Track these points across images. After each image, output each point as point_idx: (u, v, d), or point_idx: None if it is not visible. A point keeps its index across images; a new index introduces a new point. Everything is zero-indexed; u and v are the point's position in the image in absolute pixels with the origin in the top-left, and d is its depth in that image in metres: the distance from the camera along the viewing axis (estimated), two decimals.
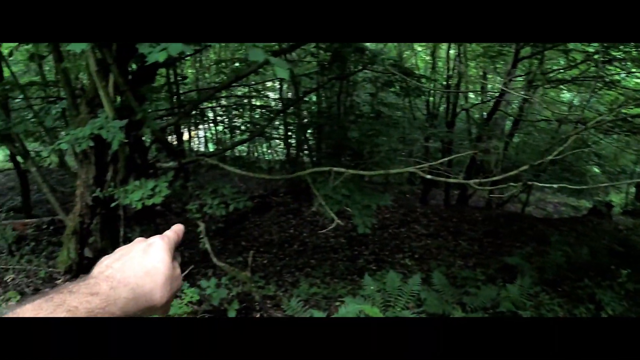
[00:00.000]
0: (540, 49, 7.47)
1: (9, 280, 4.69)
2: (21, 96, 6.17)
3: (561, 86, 9.63)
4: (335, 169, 3.88)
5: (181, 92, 8.73)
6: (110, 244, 5.02)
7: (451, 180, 4.11)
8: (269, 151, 12.60)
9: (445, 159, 4.23)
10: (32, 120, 5.56)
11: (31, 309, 0.58)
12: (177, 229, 0.83)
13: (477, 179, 4.46)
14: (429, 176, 3.95)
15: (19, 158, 6.65)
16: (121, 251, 0.75)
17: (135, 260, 0.72)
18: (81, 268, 4.79)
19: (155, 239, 0.78)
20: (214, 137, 12.67)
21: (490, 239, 8.04)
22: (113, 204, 4.35)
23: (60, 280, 4.73)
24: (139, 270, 0.71)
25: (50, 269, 4.93)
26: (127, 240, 4.81)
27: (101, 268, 0.71)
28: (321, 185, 4.35)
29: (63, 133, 5.43)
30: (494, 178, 4.20)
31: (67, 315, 0.59)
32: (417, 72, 9.76)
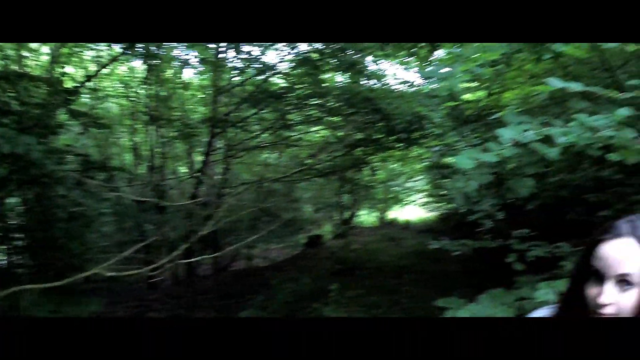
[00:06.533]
0: (232, 123, 8.31)
1: None
2: None
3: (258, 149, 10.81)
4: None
5: None
6: None
7: (132, 272, 4.25)
8: None
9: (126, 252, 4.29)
10: None
11: None
12: None
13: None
14: (111, 273, 4.06)
15: None
16: None
17: None
18: None
19: None
20: None
21: (225, 301, 8.42)
22: None
23: None
24: None
25: None
26: None
27: None
28: None
29: None
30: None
31: None
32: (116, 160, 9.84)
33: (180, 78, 10.04)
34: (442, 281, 7.19)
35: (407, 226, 16.00)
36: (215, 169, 10.45)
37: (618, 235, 1.09)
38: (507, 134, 2.03)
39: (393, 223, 16.82)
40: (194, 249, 8.44)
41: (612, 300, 1.06)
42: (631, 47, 2.38)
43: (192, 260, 7.38)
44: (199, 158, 11.12)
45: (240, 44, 6.40)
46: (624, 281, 1.06)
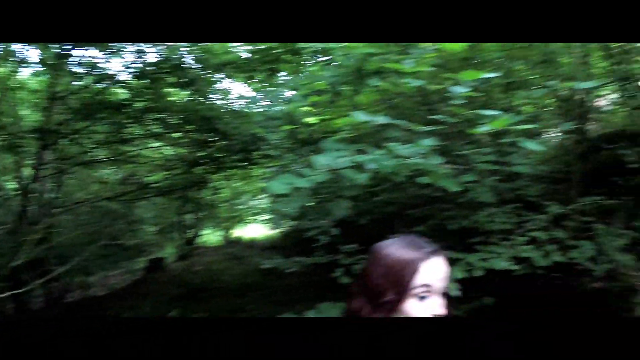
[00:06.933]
0: (65, 135, 7.63)
1: None
2: None
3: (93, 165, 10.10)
4: None
5: None
6: None
7: None
8: None
9: None
10: None
11: None
12: None
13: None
14: None
15: None
16: None
17: None
18: None
19: None
20: None
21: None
22: None
23: None
24: None
25: None
26: None
27: None
28: None
29: None
30: None
31: None
32: None
33: (14, 78, 8.96)
34: (285, 297, 7.37)
35: (251, 244, 16.13)
36: (45, 185, 9.57)
37: (432, 254, 1.26)
38: (321, 160, 2.22)
39: (238, 241, 16.85)
40: (21, 279, 7.62)
41: (441, 311, 1.23)
42: (433, 87, 2.74)
43: (14, 292, 6.65)
44: (28, 172, 10.13)
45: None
46: (442, 294, 1.25)
